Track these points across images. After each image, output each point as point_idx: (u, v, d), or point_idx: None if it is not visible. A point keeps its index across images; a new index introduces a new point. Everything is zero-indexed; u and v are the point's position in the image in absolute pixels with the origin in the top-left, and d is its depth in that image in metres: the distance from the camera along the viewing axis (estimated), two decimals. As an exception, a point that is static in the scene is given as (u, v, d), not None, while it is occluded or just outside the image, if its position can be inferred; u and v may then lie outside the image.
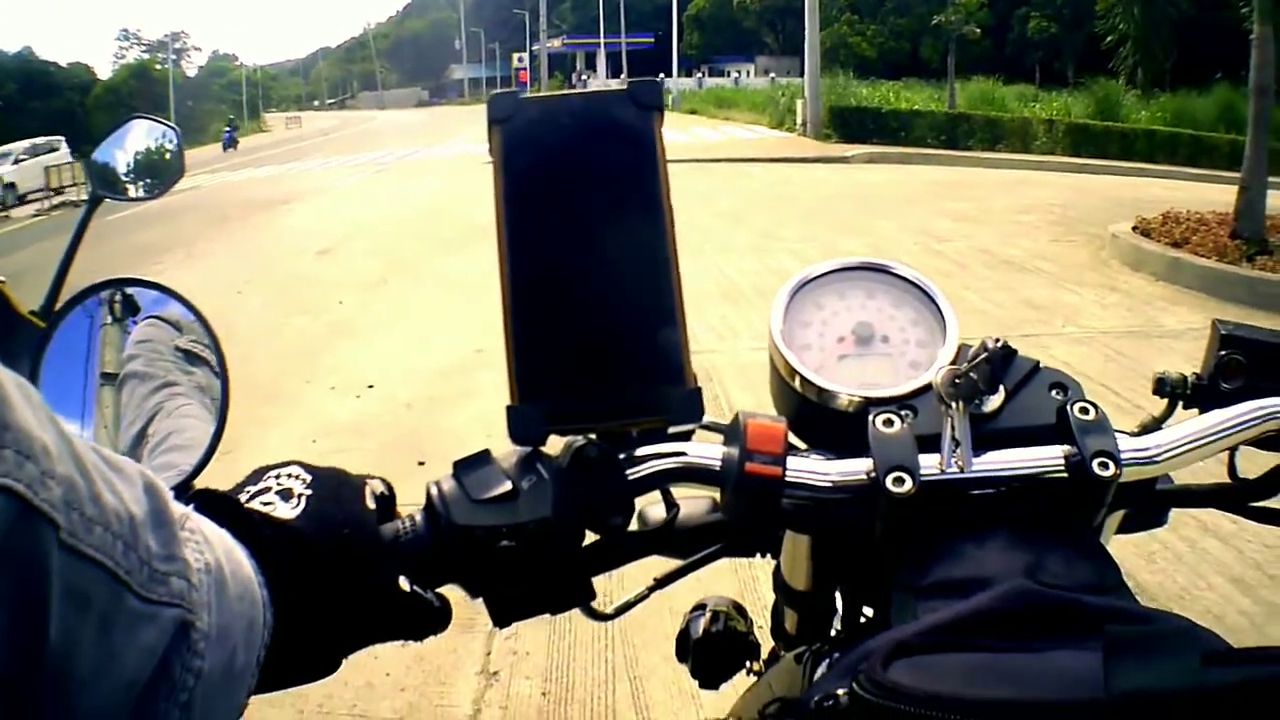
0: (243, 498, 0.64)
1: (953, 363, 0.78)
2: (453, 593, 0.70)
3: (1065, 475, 0.73)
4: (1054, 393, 0.78)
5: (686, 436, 0.75)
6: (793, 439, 0.75)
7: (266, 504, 0.63)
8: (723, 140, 26.36)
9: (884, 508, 0.71)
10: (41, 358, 1.01)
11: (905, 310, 0.88)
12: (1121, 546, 0.78)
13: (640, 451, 0.73)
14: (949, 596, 0.64)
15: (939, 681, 0.53)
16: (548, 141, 0.74)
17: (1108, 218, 10.48)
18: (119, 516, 0.43)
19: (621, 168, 0.74)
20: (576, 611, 0.76)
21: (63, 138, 30.30)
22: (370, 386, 6.21)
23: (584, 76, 79.29)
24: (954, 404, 0.75)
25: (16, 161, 27.34)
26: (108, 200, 1.46)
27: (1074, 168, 18.32)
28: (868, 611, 0.91)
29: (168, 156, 1.56)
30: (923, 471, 0.72)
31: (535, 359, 0.72)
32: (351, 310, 8.49)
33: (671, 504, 0.81)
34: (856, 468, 0.74)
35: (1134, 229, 9.54)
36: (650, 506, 0.82)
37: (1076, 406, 0.76)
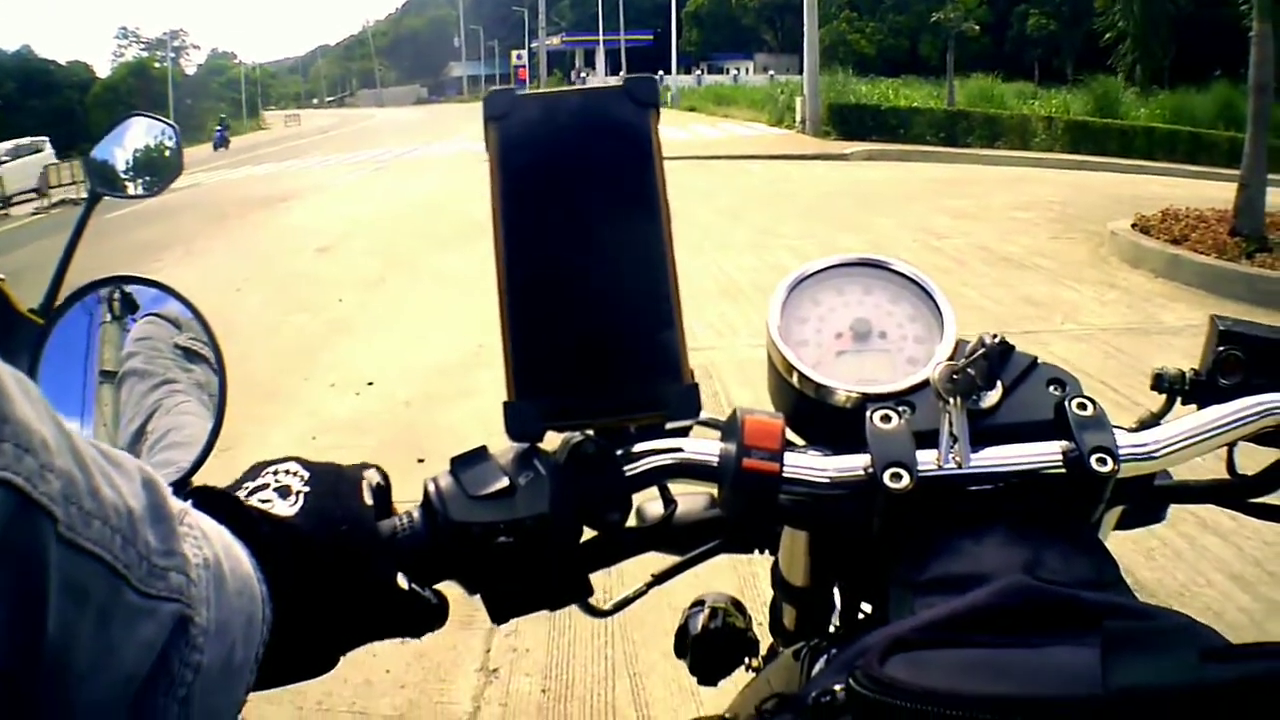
0: (241, 494, 0.64)
1: (950, 358, 0.78)
2: (451, 589, 0.70)
3: (1063, 471, 0.73)
4: (1052, 388, 0.78)
5: (684, 433, 0.75)
6: (790, 435, 0.74)
7: (265, 501, 0.63)
8: (722, 137, 26.35)
9: (882, 504, 0.71)
10: (40, 355, 1.01)
11: (903, 306, 0.88)
12: (1121, 543, 0.77)
13: (638, 448, 0.73)
14: (947, 592, 0.64)
15: (936, 677, 0.53)
16: (544, 138, 0.74)
17: (1107, 215, 10.49)
18: (117, 511, 0.43)
19: (618, 164, 0.74)
20: (575, 608, 0.76)
21: (47, 138, 29.54)
22: (369, 384, 6.21)
23: (583, 74, 79.27)
24: (952, 400, 0.75)
25: (-1, 163, 26.36)
26: (106, 198, 1.46)
27: (1073, 165, 18.32)
28: (866, 607, 0.91)
29: (166, 154, 1.56)
30: (920, 467, 0.72)
31: (532, 355, 0.72)
32: (350, 308, 8.49)
33: (669, 500, 0.81)
34: (854, 464, 0.74)
35: (1133, 226, 9.54)
36: (648, 503, 0.82)
37: (1074, 402, 0.75)
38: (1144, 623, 0.56)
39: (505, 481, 0.68)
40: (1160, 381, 0.84)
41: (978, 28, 30.61)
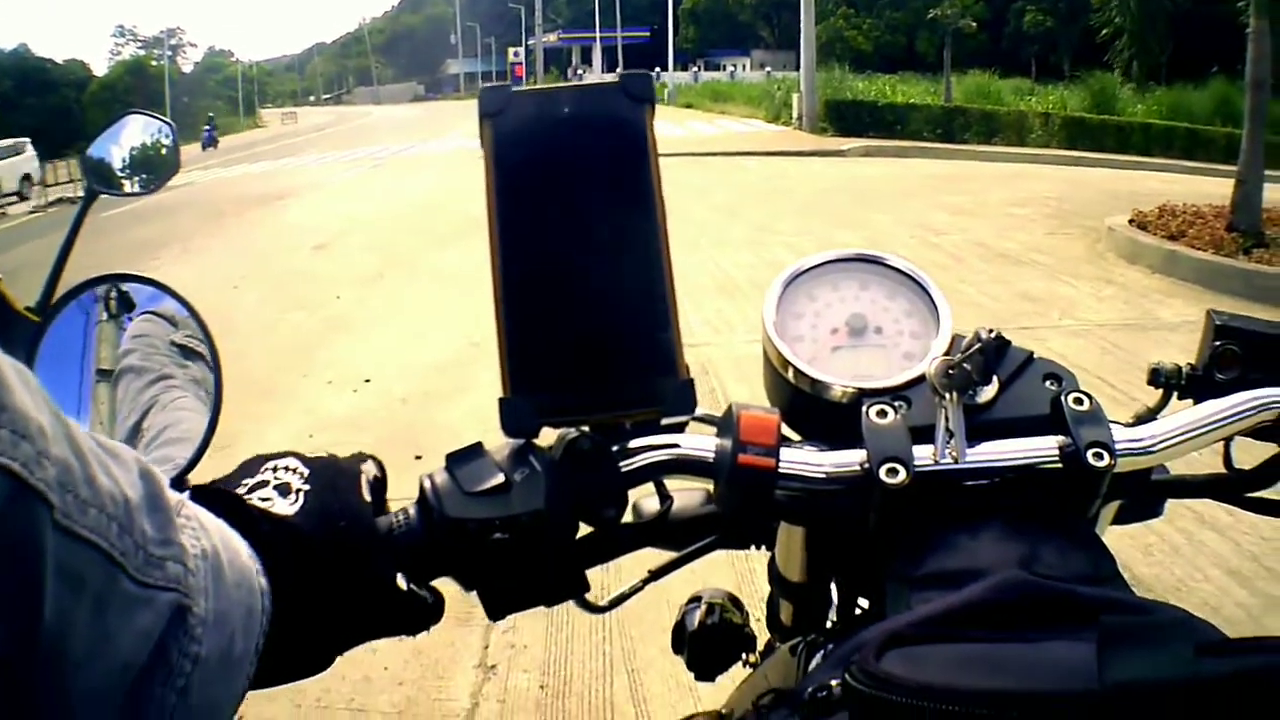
0: (240, 491, 0.64)
1: (946, 353, 0.78)
2: (447, 586, 0.70)
3: (1060, 466, 0.73)
4: (1048, 383, 0.78)
5: (680, 428, 0.75)
6: (786, 430, 0.74)
7: (265, 499, 0.63)
8: (718, 134, 26.36)
9: (878, 499, 0.71)
10: (36, 352, 1.01)
11: (899, 301, 0.88)
12: (1118, 539, 0.77)
13: (633, 444, 0.73)
14: (943, 587, 0.64)
15: (932, 672, 0.53)
16: (539, 135, 0.73)
17: (1104, 211, 10.49)
18: (114, 499, 0.43)
19: (613, 160, 0.74)
20: (572, 604, 0.76)
21: (28, 140, 28.20)
22: (367, 381, 6.21)
23: (579, 71, 79.30)
24: (948, 395, 0.75)
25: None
26: (103, 196, 1.46)
27: (1070, 161, 18.34)
28: (863, 603, 0.91)
29: (163, 152, 1.55)
30: (917, 462, 0.72)
31: (527, 352, 0.72)
32: (348, 305, 8.49)
33: (665, 496, 0.81)
34: (850, 459, 0.74)
35: (1130, 222, 9.54)
36: (644, 499, 0.83)
37: (1071, 397, 0.75)
38: (1140, 617, 0.56)
39: (501, 478, 0.68)
40: (1157, 376, 0.83)
41: (974, 24, 30.55)
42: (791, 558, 0.97)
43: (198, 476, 0.78)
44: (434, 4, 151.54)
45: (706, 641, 1.15)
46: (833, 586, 0.96)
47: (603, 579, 0.79)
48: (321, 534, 0.62)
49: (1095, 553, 0.69)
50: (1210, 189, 11.24)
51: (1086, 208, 11.39)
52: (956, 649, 0.55)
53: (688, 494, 0.87)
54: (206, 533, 0.52)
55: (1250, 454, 0.84)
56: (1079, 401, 0.75)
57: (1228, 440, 0.82)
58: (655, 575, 0.90)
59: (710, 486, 0.75)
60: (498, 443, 0.72)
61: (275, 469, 0.66)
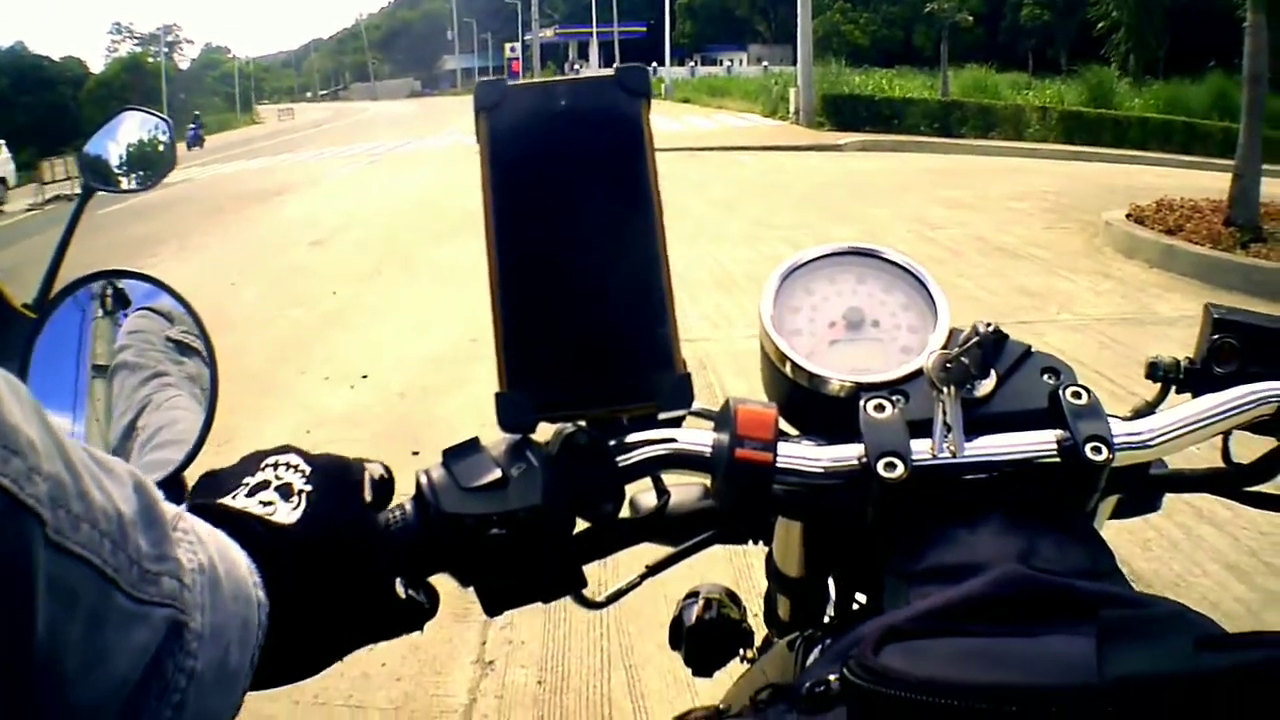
0: (241, 490, 0.63)
1: (944, 347, 0.78)
2: (444, 582, 0.70)
3: (1058, 460, 0.73)
4: (1046, 377, 0.78)
5: (677, 423, 0.74)
6: (784, 425, 0.74)
7: (266, 503, 0.62)
8: (715, 129, 26.35)
9: (876, 493, 0.71)
10: (32, 350, 1.01)
11: (896, 295, 0.87)
12: (1116, 534, 0.77)
13: (630, 438, 0.73)
14: (942, 582, 0.64)
15: (930, 666, 0.53)
16: (535, 128, 0.73)
17: (1101, 205, 10.49)
18: (107, 515, 0.43)
19: (610, 154, 0.73)
20: (569, 600, 0.76)
21: (3, 141, 26.71)
22: (364, 377, 6.20)
23: (576, 66, 79.31)
24: (945, 388, 0.74)
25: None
26: (100, 192, 1.45)
27: (1067, 155, 18.34)
28: (860, 598, 0.91)
29: (160, 148, 1.55)
30: (915, 456, 0.72)
31: (524, 346, 0.71)
32: (345, 301, 8.48)
33: (662, 491, 0.81)
34: (848, 453, 0.74)
35: (1128, 216, 9.54)
36: (641, 494, 0.82)
37: (1069, 391, 0.75)
38: (1139, 611, 0.56)
39: (498, 473, 0.68)
40: (1155, 370, 0.83)
41: (971, 18, 30.49)
42: (789, 553, 0.97)
43: (194, 472, 0.78)
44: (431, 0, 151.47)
45: (704, 637, 1.15)
46: (830, 581, 0.96)
47: (600, 574, 0.79)
48: (323, 542, 0.62)
49: (1094, 547, 0.69)
50: (1207, 183, 11.25)
51: (1084, 202, 11.39)
52: (955, 643, 0.55)
53: (685, 489, 0.87)
54: (203, 545, 0.52)
55: (1248, 448, 0.84)
56: (1077, 395, 0.75)
57: (1226, 434, 0.82)
58: (653, 570, 0.90)
59: (707, 481, 0.74)
60: (495, 438, 0.71)
61: (276, 466, 0.66)
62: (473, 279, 7.49)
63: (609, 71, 0.76)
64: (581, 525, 0.72)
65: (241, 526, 0.59)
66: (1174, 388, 0.84)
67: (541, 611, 3.07)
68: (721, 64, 72.32)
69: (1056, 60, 48.61)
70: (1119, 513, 0.85)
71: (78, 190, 1.40)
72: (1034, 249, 9.11)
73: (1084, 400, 0.75)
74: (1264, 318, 0.83)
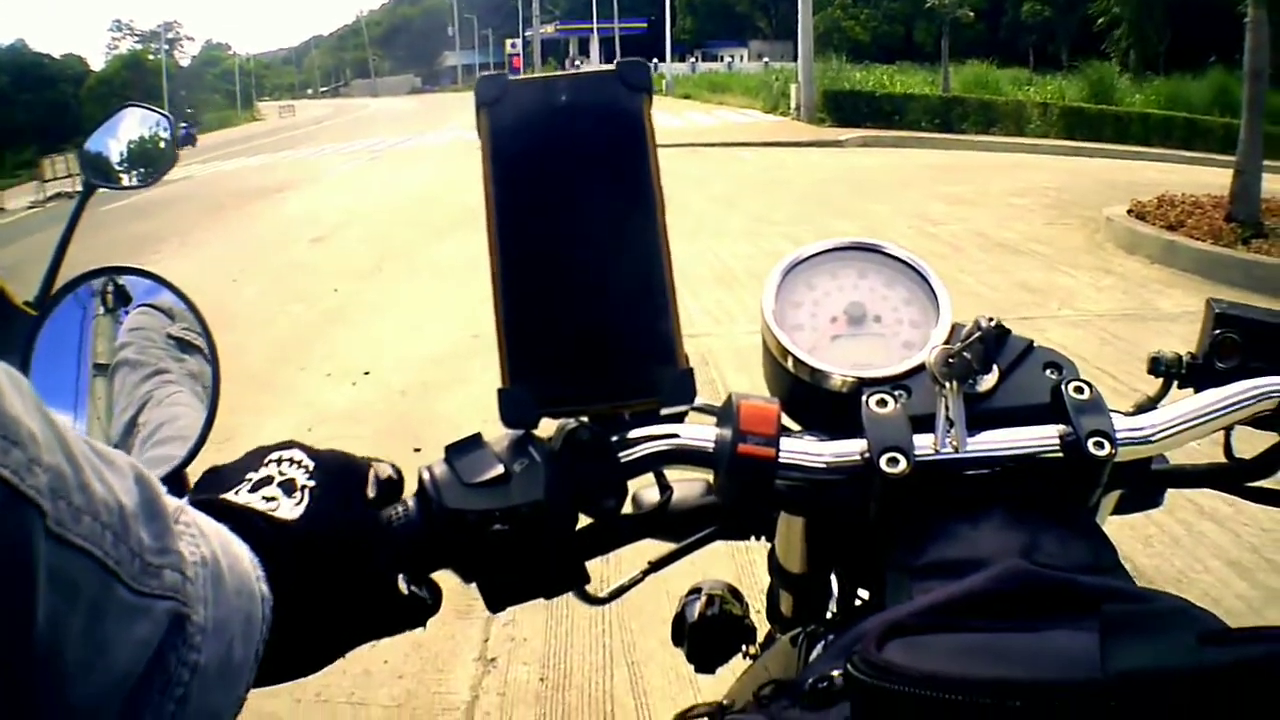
0: (244, 486, 0.63)
1: (946, 342, 0.78)
2: (447, 579, 0.70)
3: (1060, 455, 0.73)
4: (1048, 372, 0.78)
5: (679, 419, 0.74)
6: (786, 420, 0.74)
7: (269, 499, 0.62)
8: (716, 125, 26.34)
9: (878, 488, 0.71)
10: (34, 347, 1.01)
11: (898, 290, 0.87)
12: (1118, 530, 0.77)
13: (633, 434, 0.73)
14: (944, 577, 0.64)
15: (933, 661, 0.53)
16: (536, 124, 0.73)
17: (1102, 200, 10.49)
18: (108, 507, 0.43)
19: (611, 149, 0.73)
20: (573, 597, 0.76)
21: None
22: (366, 373, 6.20)
23: (577, 62, 79.18)
24: (948, 384, 0.74)
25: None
26: (101, 190, 1.45)
27: (1068, 151, 18.31)
28: (863, 593, 0.91)
29: (161, 145, 1.55)
30: (917, 452, 0.72)
31: (526, 342, 0.71)
32: (346, 298, 8.48)
33: (665, 487, 0.81)
34: (850, 448, 0.74)
35: (1129, 212, 9.54)
36: (643, 489, 0.82)
37: (1071, 386, 0.75)
38: (1142, 606, 0.56)
39: (500, 469, 0.68)
40: (1157, 365, 0.83)
41: (972, 14, 30.45)
42: (791, 548, 0.97)
43: (196, 469, 0.78)
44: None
45: (706, 633, 1.14)
46: (833, 577, 0.96)
47: (602, 570, 0.79)
48: (326, 538, 0.62)
49: (1096, 542, 0.69)
50: (1209, 179, 11.23)
51: (1085, 197, 11.38)
52: (958, 638, 0.55)
53: (687, 485, 0.87)
54: (206, 539, 0.51)
55: (1250, 443, 0.84)
56: (1079, 390, 0.75)
57: (1228, 429, 0.81)
58: (655, 566, 0.90)
59: (710, 477, 0.74)
60: (497, 434, 0.71)
61: (280, 461, 0.65)
62: (474, 275, 7.50)
63: (610, 67, 0.75)
64: (584, 521, 0.72)
65: (244, 522, 0.59)
66: (1176, 383, 0.84)
67: (544, 608, 3.08)
68: (722, 60, 72.22)
69: (1057, 56, 48.52)
70: (1121, 508, 0.85)
71: (79, 187, 1.40)
72: (1035, 245, 9.11)
73: (1086, 395, 0.75)
74: (1266, 313, 0.83)
